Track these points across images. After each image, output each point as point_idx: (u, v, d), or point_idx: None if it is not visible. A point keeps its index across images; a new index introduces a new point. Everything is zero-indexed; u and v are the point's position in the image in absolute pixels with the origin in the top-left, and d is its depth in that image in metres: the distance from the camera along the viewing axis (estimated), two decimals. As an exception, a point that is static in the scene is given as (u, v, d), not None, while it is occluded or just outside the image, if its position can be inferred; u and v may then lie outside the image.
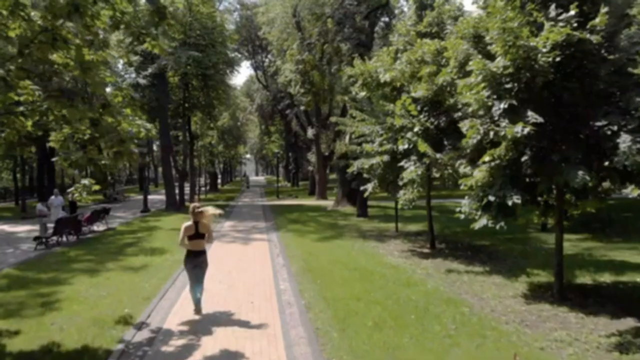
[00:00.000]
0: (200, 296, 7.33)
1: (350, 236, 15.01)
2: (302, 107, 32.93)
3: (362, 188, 12.92)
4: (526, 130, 6.26)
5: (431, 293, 8.18)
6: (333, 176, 47.78)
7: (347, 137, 25.80)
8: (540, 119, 6.50)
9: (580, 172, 6.42)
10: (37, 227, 16.22)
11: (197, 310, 7.28)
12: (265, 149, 72.42)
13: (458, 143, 10.83)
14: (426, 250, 12.44)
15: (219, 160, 55.91)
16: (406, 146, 10.89)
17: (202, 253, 7.30)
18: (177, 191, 27.88)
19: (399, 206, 10.59)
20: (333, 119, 15.27)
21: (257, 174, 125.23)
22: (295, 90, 25.64)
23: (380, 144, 12.27)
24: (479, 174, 7.84)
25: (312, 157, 32.59)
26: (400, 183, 11.18)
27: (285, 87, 35.56)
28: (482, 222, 7.93)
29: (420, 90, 10.22)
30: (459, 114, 9.83)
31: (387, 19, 23.61)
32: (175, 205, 25.34)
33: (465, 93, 7.83)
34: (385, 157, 11.93)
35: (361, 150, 14.00)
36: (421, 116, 11.28)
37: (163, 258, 12.06)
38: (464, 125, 7.06)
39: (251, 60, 53.94)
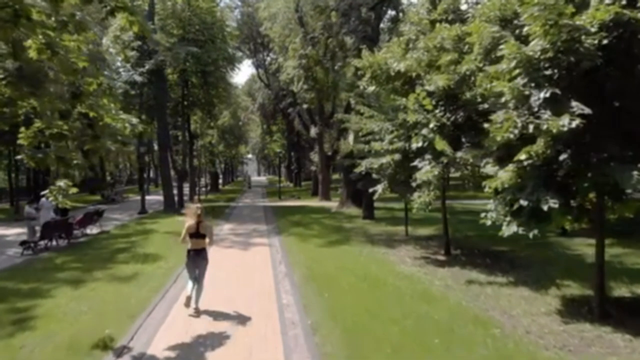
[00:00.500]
0: (198, 295, 7.42)
1: (357, 241, 14.06)
2: (304, 105, 31.97)
3: (371, 190, 11.98)
4: (574, 123, 5.31)
5: (454, 310, 7.23)
6: (336, 176, 46.88)
7: (352, 136, 24.85)
8: (587, 110, 5.55)
9: (635, 173, 5.49)
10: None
11: (188, 304, 7.28)
12: (267, 149, 71.52)
13: (478, 140, 9.95)
14: (441, 257, 11.48)
15: (219, 160, 55.03)
16: (420, 144, 9.95)
17: (202, 251, 7.47)
18: (175, 192, 26.98)
19: (414, 209, 9.62)
20: (338, 116, 14.36)
21: (259, 174, 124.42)
22: (298, 87, 24.71)
23: (391, 142, 11.34)
24: (505, 174, 6.91)
25: (314, 156, 31.70)
26: (414, 184, 10.23)
27: (288, 85, 34.69)
28: (512, 228, 7.01)
29: (439, 81, 9.25)
30: (484, 106, 8.90)
31: (394, 12, 22.65)
32: (173, 207, 24.42)
33: (490, 84, 6.91)
34: (397, 156, 11.01)
35: (369, 149, 13.07)
36: (437, 111, 10.32)
37: (155, 266, 11.13)
38: (498, 118, 6.09)
39: (252, 59, 53.18)
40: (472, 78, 8.57)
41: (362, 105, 12.91)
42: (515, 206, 6.86)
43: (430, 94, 10.23)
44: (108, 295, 8.52)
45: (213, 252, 12.36)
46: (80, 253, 13.24)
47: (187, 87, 28.15)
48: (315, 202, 29.91)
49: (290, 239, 14.71)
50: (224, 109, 36.50)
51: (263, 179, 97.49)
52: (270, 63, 48.40)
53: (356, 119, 13.29)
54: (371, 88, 12.16)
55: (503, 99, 6.20)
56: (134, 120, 7.16)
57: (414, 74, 10.63)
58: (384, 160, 11.12)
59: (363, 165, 11.60)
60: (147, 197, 33.50)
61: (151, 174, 65.06)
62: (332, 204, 26.98)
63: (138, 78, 23.36)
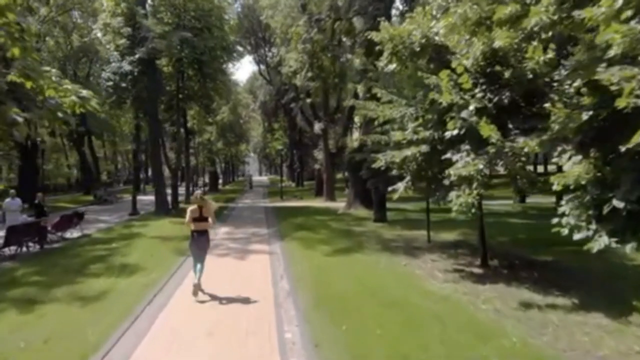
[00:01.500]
0: (199, 276, 7.98)
1: (371, 248, 12.09)
2: (308, 100, 30.03)
3: (391, 188, 9.98)
4: None
5: (521, 351, 5.26)
6: (339, 175, 44.91)
7: (360, 131, 22.80)
8: None
9: None
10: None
11: (195, 293, 7.82)
12: (269, 147, 69.63)
13: (530, 125, 8.00)
14: (477, 270, 9.50)
15: (219, 159, 53.10)
16: (456, 131, 8.01)
17: (204, 233, 8.20)
18: (169, 191, 25.06)
19: (453, 213, 7.63)
20: (350, 101, 12.37)
21: (260, 174, 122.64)
22: (302, 75, 22.72)
23: (415, 131, 9.39)
24: (576, 168, 5.02)
25: (319, 154, 29.76)
26: (447, 182, 8.28)
27: (290, 78, 32.81)
28: (603, 241, 5.08)
29: (498, 40, 7.24)
30: (545, 80, 6.98)
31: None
32: (166, 208, 22.46)
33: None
34: (424, 148, 9.06)
35: (386, 142, 11.11)
36: (476, 90, 8.37)
37: (131, 280, 9.18)
38: (613, 76, 4.10)
39: (254, 55, 51.44)
40: (542, 35, 6.54)
41: (378, 89, 10.91)
42: (606, 209, 4.93)
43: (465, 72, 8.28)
44: (60, 324, 6.57)
45: (207, 262, 10.46)
46: (48, 263, 11.30)
47: (182, 79, 26.25)
48: (319, 203, 27.95)
49: (294, 245, 12.76)
50: (223, 104, 34.54)
51: (264, 178, 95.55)
52: (272, 57, 46.66)
53: (371, 105, 11.31)
54: (391, 67, 10.18)
55: (612, 52, 4.21)
56: (84, 92, 5.20)
57: (449, 44, 8.67)
58: (409, 152, 9.15)
59: (382, 160, 9.60)
60: (143, 198, 31.74)
61: (149, 174, 63.21)
62: (338, 205, 25.03)
63: (127, 67, 21.42)
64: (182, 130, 27.40)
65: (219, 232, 15.84)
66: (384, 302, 7.13)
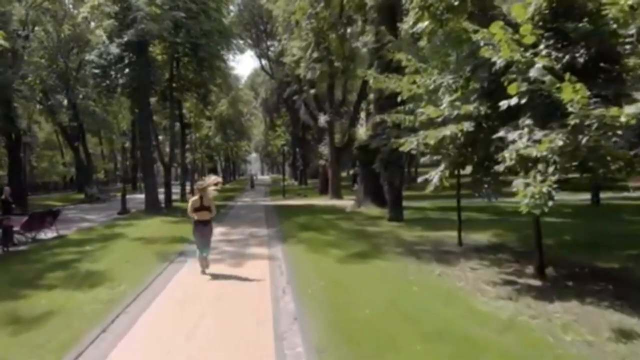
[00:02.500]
0: (206, 255, 8.58)
1: (392, 252, 10.06)
2: (312, 91, 28.00)
3: (423, 178, 7.95)
4: None
5: None
6: (343, 174, 42.83)
7: (369, 121, 20.73)
8: None
9: None
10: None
11: (204, 271, 8.54)
12: (271, 145, 67.71)
13: (619, 90, 6.00)
14: (533, 281, 7.44)
15: (219, 156, 51.12)
16: (514, 101, 6.01)
17: (207, 222, 8.61)
18: (162, 189, 23.10)
19: (522, 209, 5.54)
20: (367, 71, 10.32)
21: (262, 173, 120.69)
22: (307, 56, 20.67)
23: (454, 105, 7.38)
24: None
25: (324, 148, 27.75)
26: (501, 168, 6.27)
27: (293, 69, 30.91)
28: None
29: None
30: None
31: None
32: (157, 206, 20.46)
33: None
34: (467, 125, 7.05)
35: (411, 123, 9.12)
36: (541, 47, 6.36)
37: (92, 294, 7.18)
38: None
39: (255, 49, 49.55)
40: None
41: (402, 55, 8.87)
42: None
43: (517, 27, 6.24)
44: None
45: (189, 270, 8.50)
46: (1, 269, 9.32)
47: (177, 67, 24.28)
48: (324, 201, 25.90)
49: (298, 249, 10.74)
50: (222, 96, 32.56)
51: (266, 177, 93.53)
52: (273, 51, 44.78)
53: (391, 80, 9.30)
54: (421, 25, 8.16)
55: None
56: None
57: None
58: (447, 132, 7.12)
59: (414, 142, 7.56)
60: (139, 196, 29.60)
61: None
62: (345, 203, 23.00)
63: (115, 50, 19.44)
64: (177, 123, 25.35)
65: (213, 233, 13.82)
66: (428, 333, 5.09)
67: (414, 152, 7.77)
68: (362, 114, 34.90)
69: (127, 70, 21.76)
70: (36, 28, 32.45)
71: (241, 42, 51.84)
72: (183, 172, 29.06)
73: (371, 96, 21.30)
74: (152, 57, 23.52)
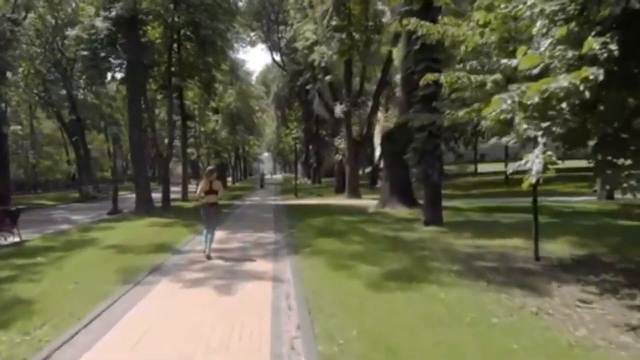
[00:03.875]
0: (209, 242, 8.83)
1: (447, 271, 7.12)
2: (327, 77, 25.18)
3: (517, 165, 5.05)
4: None
5: None
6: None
7: (392, 108, 17.76)
8: None
9: None
10: None
11: (208, 255, 8.69)
12: (283, 143, 64.95)
13: None
14: None
15: (228, 153, 48.43)
16: None
17: (214, 205, 9.08)
18: (159, 187, 20.42)
19: None
20: (410, 20, 7.44)
21: (274, 173, 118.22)
22: (325, 24, 17.79)
23: (567, 42, 4.49)
24: None
25: (341, 142, 24.84)
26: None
27: (305, 57, 28.17)
28: None
29: None
30: None
31: None
32: (149, 206, 17.75)
33: None
34: (593, 71, 4.14)
35: (480, 82, 6.26)
36: None
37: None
38: None
39: (266, 43, 47.04)
40: None
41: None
42: None
43: None
44: None
45: (153, 305, 5.69)
46: None
47: (178, 50, 21.60)
48: (341, 200, 23.00)
49: (315, 265, 7.87)
50: (226, 83, 29.79)
51: (278, 177, 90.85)
52: (284, 39, 42.17)
53: (447, 26, 6.44)
54: None
55: None
56: None
57: None
58: (565, 83, 4.23)
59: (506, 102, 4.64)
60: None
61: (155, 170, 58.99)
62: (365, 203, 20.11)
63: (100, 24, 16.80)
64: (175, 116, 22.63)
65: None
66: None
67: (509, 116, 4.84)
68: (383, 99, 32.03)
69: (118, 52, 19.22)
70: (30, 15, 30.10)
71: (252, 34, 49.66)
72: (184, 168, 26.38)
73: (397, 77, 18.44)
74: (148, 40, 20.95)
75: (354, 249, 9.12)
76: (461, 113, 6.81)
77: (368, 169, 42.66)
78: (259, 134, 64.86)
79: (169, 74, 20.83)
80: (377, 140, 32.91)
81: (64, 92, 32.31)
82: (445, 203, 17.06)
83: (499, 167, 41.49)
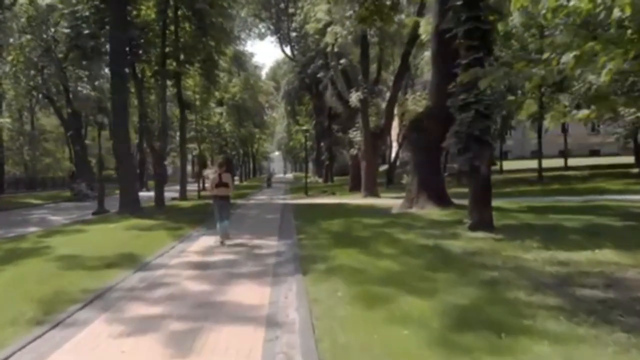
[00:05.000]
0: (224, 229, 8.92)
1: (546, 309, 4.43)
2: (342, 61, 22.58)
3: None
4: None
5: None
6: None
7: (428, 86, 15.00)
8: None
9: None
10: None
11: (223, 241, 8.87)
12: (293, 140, 62.56)
13: None
14: None
15: (236, 150, 45.94)
16: None
17: (224, 197, 9.09)
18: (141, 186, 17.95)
19: None
20: None
21: (285, 172, 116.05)
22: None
23: None
24: None
25: (356, 134, 22.14)
26: None
27: (317, 42, 25.77)
28: None
29: None
30: None
31: None
32: (135, 206, 15.21)
33: None
34: None
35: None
36: None
37: None
38: None
39: (276, 35, 44.64)
40: None
41: None
42: None
43: None
44: None
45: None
46: None
47: (175, 29, 19.11)
48: (358, 199, 20.34)
49: (333, 294, 5.20)
50: (234, 77, 27.29)
51: (289, 176, 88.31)
52: (295, 31, 39.72)
53: None
54: None
55: None
56: None
57: None
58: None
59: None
60: (143, 194, 24.64)
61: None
62: (386, 202, 17.48)
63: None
64: (165, 99, 20.09)
65: (187, 251, 8.52)
66: None
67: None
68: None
69: (104, 31, 16.80)
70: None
71: (261, 25, 47.26)
72: (183, 164, 23.90)
73: (426, 54, 15.79)
74: (142, 20, 18.57)
75: (387, 266, 6.47)
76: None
77: (382, 167, 39.92)
78: (268, 132, 62.51)
79: (163, 56, 18.34)
80: (395, 134, 30.23)
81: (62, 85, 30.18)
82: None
83: (524, 164, 38.69)
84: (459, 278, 5.66)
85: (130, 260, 7.45)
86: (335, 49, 22.19)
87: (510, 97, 28.99)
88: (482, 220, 9.58)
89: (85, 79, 27.76)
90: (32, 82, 28.02)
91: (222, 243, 8.81)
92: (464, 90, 9.78)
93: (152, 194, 27.92)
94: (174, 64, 20.31)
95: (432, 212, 12.78)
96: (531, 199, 16.77)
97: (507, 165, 39.14)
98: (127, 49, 16.42)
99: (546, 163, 38.91)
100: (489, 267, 6.23)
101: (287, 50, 44.49)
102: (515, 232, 9.01)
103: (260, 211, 16.44)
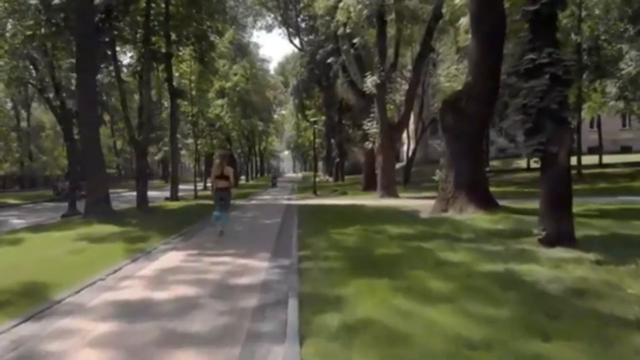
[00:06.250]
0: (224, 222, 8.96)
1: None
2: (355, 41, 19.77)
3: None
4: None
5: None
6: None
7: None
8: None
9: None
10: None
11: (222, 231, 8.89)
12: (302, 137, 59.89)
13: None
14: None
15: (241, 147, 43.23)
16: None
17: (225, 189, 9.02)
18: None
19: None
20: None
21: (294, 171, 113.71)
22: None
23: None
24: None
25: (370, 125, 19.23)
26: None
27: (327, 25, 23.04)
28: None
29: None
30: None
31: None
32: (104, 207, 12.43)
33: None
34: None
35: None
36: None
37: None
38: None
39: (284, 27, 42.03)
40: None
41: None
42: None
43: None
44: None
45: None
46: None
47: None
48: (374, 200, 17.50)
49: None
50: (236, 63, 24.56)
51: (298, 175, 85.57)
52: (304, 19, 37.13)
53: None
54: None
55: None
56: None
57: None
58: None
59: None
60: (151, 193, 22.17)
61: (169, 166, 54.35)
62: (408, 203, 14.72)
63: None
64: (150, 91, 17.36)
65: (133, 277, 5.78)
66: None
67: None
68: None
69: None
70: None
71: (268, 17, 44.64)
72: (174, 160, 21.21)
73: (462, 21, 12.97)
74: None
75: (448, 324, 3.60)
76: None
77: (398, 165, 36.92)
78: (274, 126, 59.91)
79: (147, 31, 15.62)
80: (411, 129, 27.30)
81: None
82: (527, 203, 11.54)
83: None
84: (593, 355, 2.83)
85: (29, 297, 4.74)
86: (348, 30, 19.41)
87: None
88: (560, 232, 6.70)
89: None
90: (16, 71, 25.48)
91: (221, 233, 8.86)
92: (532, 48, 6.94)
93: (157, 193, 25.57)
94: (163, 44, 17.68)
95: (476, 216, 9.91)
96: (587, 199, 13.83)
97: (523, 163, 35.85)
98: (102, 17, 13.81)
99: (587, 160, 35.87)
100: (623, 322, 3.40)
101: (296, 42, 42.04)
102: (610, 249, 6.15)
103: (259, 214, 13.70)
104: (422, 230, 8.47)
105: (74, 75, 27.02)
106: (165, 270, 5.98)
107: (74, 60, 22.61)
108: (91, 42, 12.48)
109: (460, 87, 10.66)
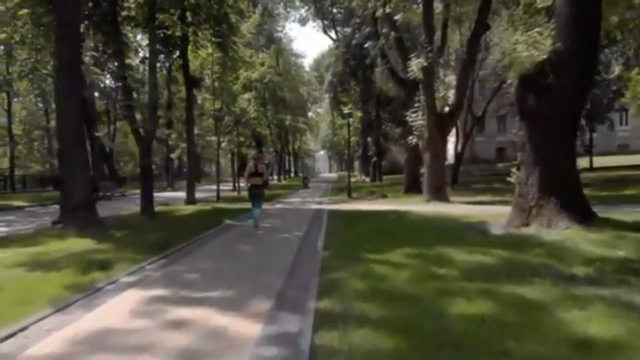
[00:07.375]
0: (257, 215, 9.46)
1: None
2: (397, 17, 16.98)
3: None
4: None
5: None
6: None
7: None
8: None
9: None
10: None
11: (257, 226, 9.38)
12: (337, 135, 57.49)
13: None
14: None
15: (273, 144, 40.93)
16: None
17: (260, 187, 9.55)
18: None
19: None
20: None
21: (330, 171, 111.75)
22: None
23: None
24: None
25: (416, 116, 16.31)
26: None
27: (364, 6, 20.59)
28: None
29: None
30: None
31: None
32: (87, 214, 10.11)
33: None
34: None
35: None
36: None
37: None
38: None
39: (318, 19, 39.95)
40: None
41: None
42: None
43: None
44: None
45: None
46: None
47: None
48: (420, 205, 14.64)
49: None
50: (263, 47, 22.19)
51: (333, 175, 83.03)
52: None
53: None
54: None
55: None
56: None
57: None
58: None
59: None
60: (169, 194, 20.10)
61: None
62: (464, 210, 11.87)
63: None
64: (153, 80, 15.03)
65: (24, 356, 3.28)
66: None
67: None
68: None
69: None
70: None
71: (303, 10, 42.70)
72: (190, 157, 19.05)
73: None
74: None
75: None
76: None
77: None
78: (308, 124, 57.68)
79: (151, 5, 13.40)
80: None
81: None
82: (623, 211, 8.44)
83: (612, 160, 31.72)
84: None
85: None
86: (388, 9, 16.68)
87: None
88: None
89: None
90: (28, 64, 24.11)
91: (256, 226, 9.28)
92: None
93: (176, 194, 23.72)
94: (178, 26, 15.50)
95: (574, 234, 6.95)
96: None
97: (595, 161, 31.85)
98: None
99: (621, 160, 31.71)
100: None
101: (332, 34, 39.74)
102: None
103: (279, 223, 11.17)
104: (507, 260, 5.65)
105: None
106: (86, 340, 3.51)
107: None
108: (74, 15, 10.25)
109: (544, 57, 7.76)
